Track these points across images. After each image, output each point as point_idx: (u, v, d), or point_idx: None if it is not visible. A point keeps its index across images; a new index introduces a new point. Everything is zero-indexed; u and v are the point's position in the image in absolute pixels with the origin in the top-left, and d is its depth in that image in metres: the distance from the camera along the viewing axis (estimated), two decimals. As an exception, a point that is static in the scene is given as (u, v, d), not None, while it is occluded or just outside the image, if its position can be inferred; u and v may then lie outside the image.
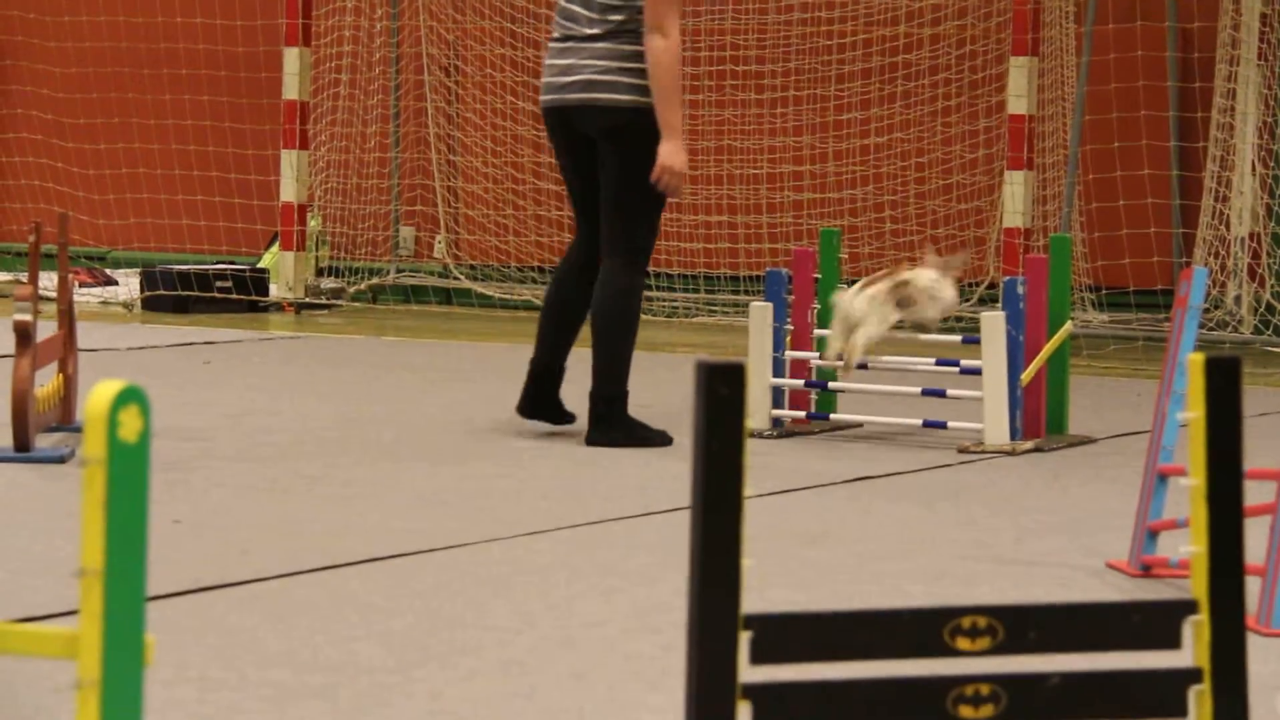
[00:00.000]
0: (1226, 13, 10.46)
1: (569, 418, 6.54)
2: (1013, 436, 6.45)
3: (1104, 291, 11.13)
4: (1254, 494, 3.78)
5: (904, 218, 11.74)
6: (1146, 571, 4.27)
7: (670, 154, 6.27)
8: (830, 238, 7.14)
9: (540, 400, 6.52)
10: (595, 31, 6.37)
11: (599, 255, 6.46)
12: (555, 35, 6.58)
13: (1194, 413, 2.39)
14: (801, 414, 6.89)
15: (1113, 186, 11.13)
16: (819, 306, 6.99)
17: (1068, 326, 6.64)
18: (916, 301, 6.45)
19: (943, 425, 6.60)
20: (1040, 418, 6.61)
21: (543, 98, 6.56)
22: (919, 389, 6.85)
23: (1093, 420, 7.14)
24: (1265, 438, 3.80)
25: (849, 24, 11.90)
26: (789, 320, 6.90)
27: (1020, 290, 6.49)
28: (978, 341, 6.47)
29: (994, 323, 6.44)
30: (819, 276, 7.02)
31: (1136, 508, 4.38)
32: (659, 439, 6.37)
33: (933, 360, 6.82)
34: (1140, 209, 11.13)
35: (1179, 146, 10.99)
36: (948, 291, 6.52)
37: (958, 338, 7.02)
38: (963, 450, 6.40)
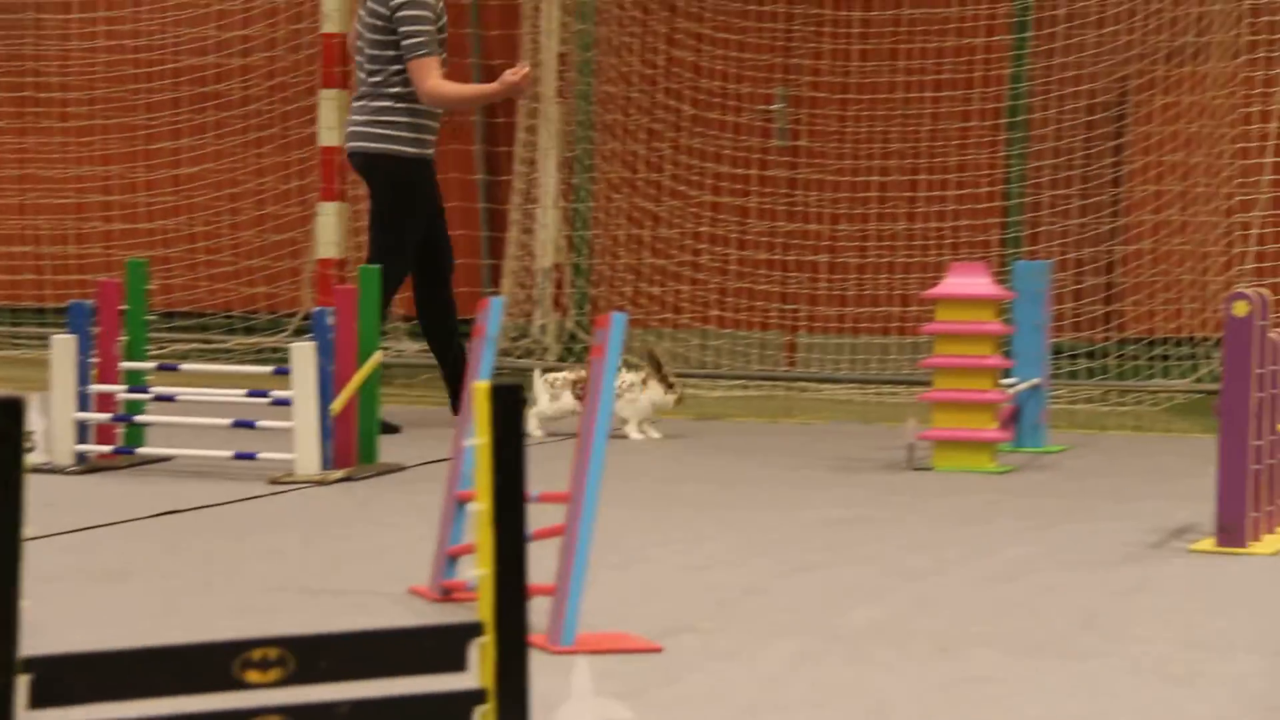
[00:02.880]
0: (527, 52, 10.78)
1: None
2: (324, 466, 6.47)
3: (415, 322, 11.29)
4: (556, 516, 3.90)
5: (218, 249, 11.63)
6: (447, 596, 4.34)
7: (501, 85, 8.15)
8: (137, 269, 7.01)
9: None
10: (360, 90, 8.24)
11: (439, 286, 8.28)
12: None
13: (481, 439, 2.44)
14: (108, 449, 6.73)
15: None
16: (126, 339, 6.86)
17: (377, 356, 6.71)
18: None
19: (253, 456, 6.56)
20: (351, 447, 6.65)
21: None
22: (230, 421, 6.79)
23: (404, 449, 7.22)
24: (566, 460, 3.92)
25: (156, 53, 11.72)
26: (95, 353, 6.74)
27: (330, 321, 6.52)
28: (289, 372, 6.46)
29: (303, 353, 6.44)
30: (126, 308, 6.89)
31: (438, 533, 4.45)
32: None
33: (244, 392, 6.77)
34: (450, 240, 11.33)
35: (486, 180, 11.26)
36: (643, 395, 7.61)
37: (269, 369, 6.99)
38: (274, 481, 6.38)
